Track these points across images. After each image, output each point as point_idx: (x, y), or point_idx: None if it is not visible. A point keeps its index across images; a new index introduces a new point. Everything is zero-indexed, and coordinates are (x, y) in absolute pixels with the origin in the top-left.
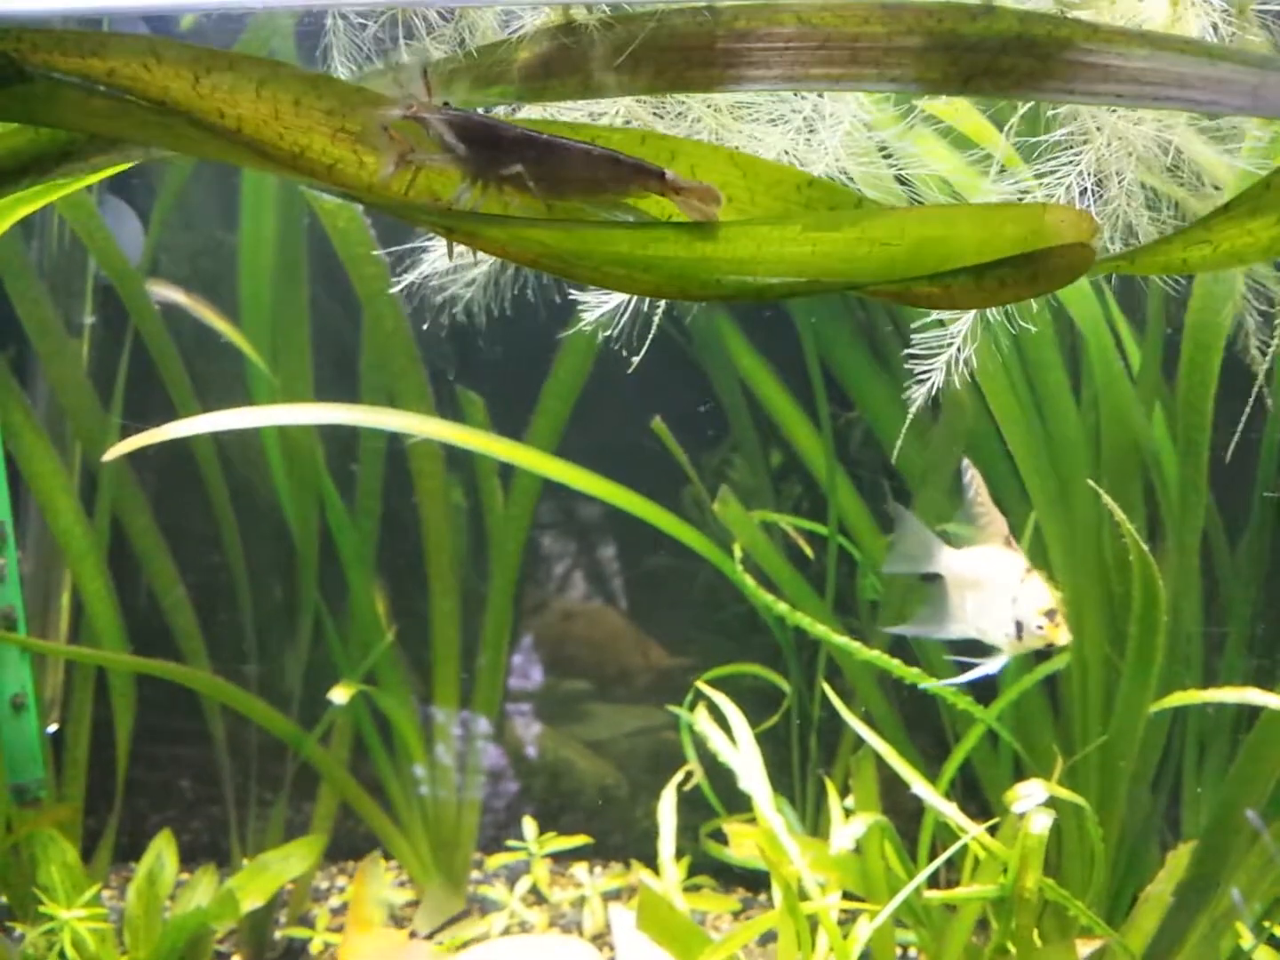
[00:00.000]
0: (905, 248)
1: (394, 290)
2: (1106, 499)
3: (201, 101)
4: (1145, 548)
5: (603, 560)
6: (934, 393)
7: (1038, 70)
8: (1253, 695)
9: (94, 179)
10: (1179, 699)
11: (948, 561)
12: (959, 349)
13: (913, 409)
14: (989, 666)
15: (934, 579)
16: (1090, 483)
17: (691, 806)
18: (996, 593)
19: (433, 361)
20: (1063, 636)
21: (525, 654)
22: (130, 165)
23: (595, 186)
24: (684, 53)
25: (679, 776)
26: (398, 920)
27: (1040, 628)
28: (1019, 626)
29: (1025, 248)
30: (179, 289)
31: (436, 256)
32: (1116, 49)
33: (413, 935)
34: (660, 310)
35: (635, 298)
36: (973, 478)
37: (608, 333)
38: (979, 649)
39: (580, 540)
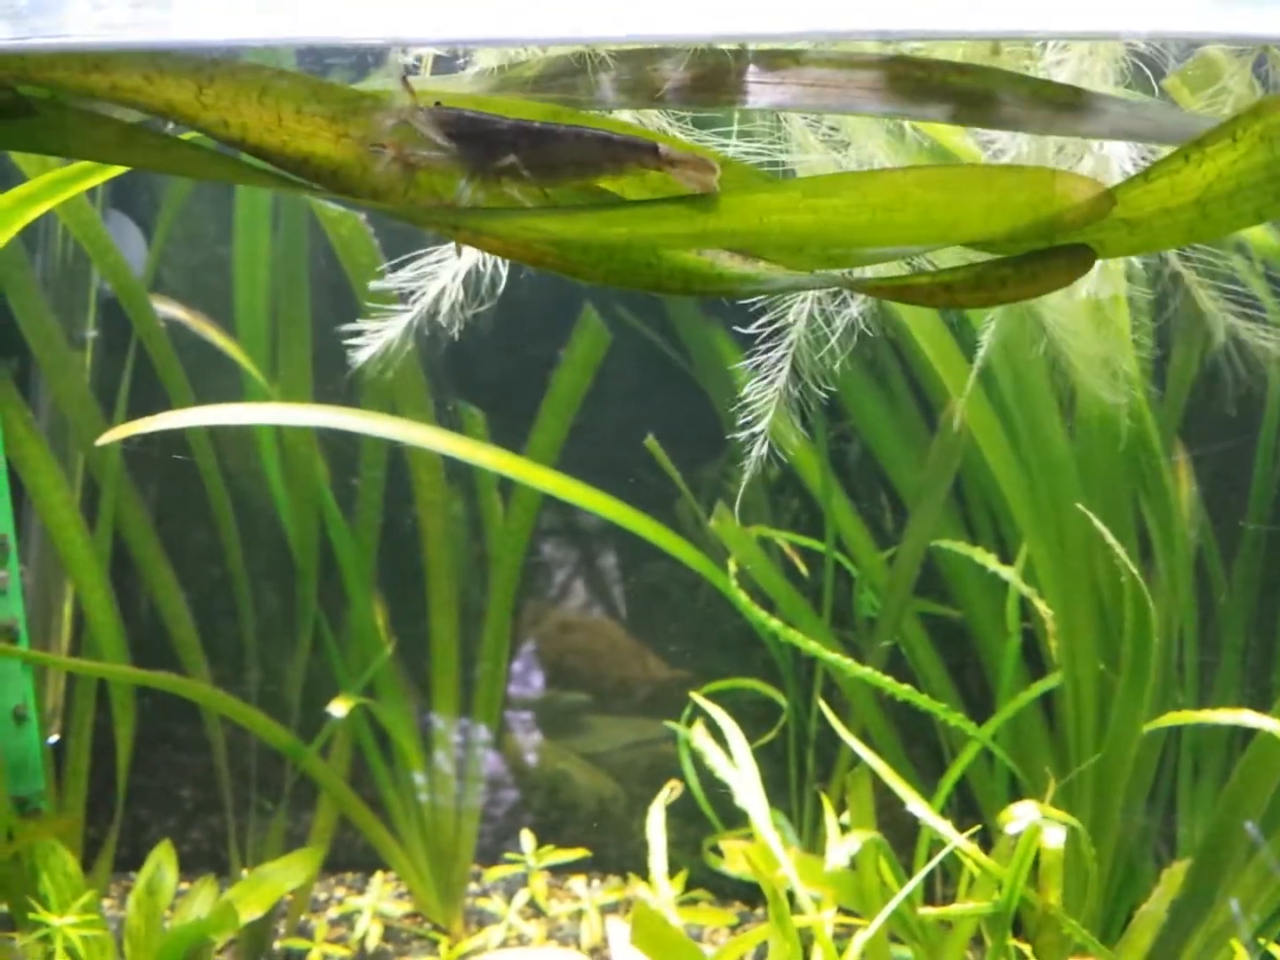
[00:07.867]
0: (909, 214)
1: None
2: (1096, 522)
3: (205, 112)
4: (1135, 570)
5: (603, 571)
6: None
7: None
8: (1247, 718)
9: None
10: (1173, 719)
11: None
12: None
13: None
14: None
15: None
16: (1079, 506)
17: (690, 819)
18: None
19: (435, 377)
20: None
21: (524, 666)
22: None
23: (590, 169)
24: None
25: (665, 793)
26: (394, 932)
27: None
28: None
29: (1035, 214)
30: (178, 304)
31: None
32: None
33: None
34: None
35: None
36: None
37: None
38: None
39: (580, 551)
